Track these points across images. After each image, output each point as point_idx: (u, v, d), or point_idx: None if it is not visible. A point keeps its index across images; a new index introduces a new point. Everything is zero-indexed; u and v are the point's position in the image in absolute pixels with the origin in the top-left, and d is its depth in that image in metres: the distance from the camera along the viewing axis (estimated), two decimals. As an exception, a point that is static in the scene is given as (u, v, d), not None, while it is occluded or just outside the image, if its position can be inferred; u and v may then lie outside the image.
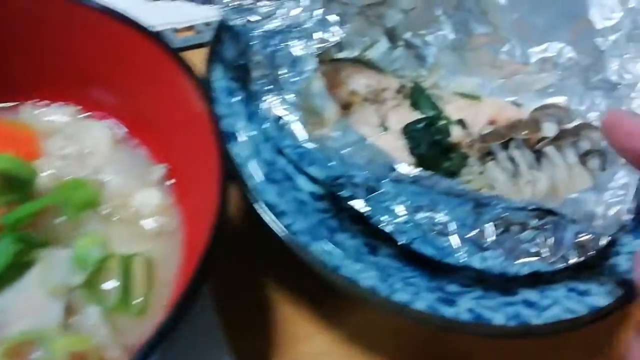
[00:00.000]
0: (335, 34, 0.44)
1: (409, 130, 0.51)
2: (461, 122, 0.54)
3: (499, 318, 0.39)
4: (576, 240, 0.40)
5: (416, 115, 0.53)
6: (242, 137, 0.44)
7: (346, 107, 0.52)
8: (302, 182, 0.48)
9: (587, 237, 0.39)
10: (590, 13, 0.54)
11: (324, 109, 0.42)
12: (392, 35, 0.57)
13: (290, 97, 0.40)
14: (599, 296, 0.42)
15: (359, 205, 0.41)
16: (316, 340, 0.45)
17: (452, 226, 0.40)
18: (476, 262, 0.41)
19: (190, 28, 0.59)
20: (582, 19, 0.55)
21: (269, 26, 0.42)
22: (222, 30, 0.45)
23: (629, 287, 0.43)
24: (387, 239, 0.45)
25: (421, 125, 0.52)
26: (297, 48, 0.43)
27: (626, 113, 0.29)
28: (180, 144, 0.40)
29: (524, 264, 0.41)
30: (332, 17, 0.44)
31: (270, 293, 0.47)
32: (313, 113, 0.42)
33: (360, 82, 0.54)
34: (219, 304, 0.43)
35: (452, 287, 0.43)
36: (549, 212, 0.39)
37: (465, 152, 0.53)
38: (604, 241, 0.40)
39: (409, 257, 0.45)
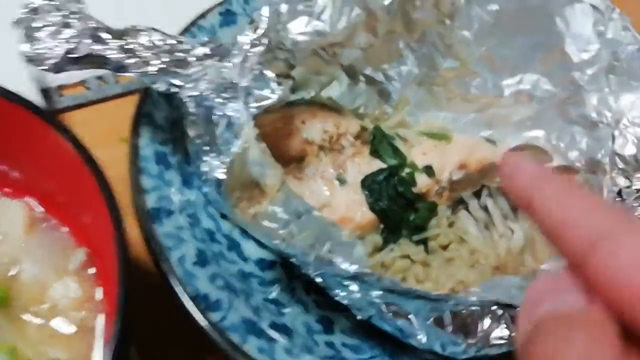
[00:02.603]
0: (275, 91, 0.39)
1: (368, 183, 0.47)
2: (428, 169, 0.49)
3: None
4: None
5: (377, 164, 0.48)
6: (174, 209, 0.39)
7: (300, 159, 0.47)
8: (250, 247, 0.43)
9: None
10: (565, 44, 0.49)
11: (264, 177, 0.37)
12: (351, 72, 0.52)
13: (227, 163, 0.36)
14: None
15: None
16: None
17: (408, 309, 0.35)
18: (437, 347, 0.36)
19: (80, 83, 0.54)
20: (557, 49, 0.50)
21: (200, 87, 0.37)
22: (148, 90, 0.40)
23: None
24: (344, 310, 0.41)
25: (381, 176, 0.47)
26: (231, 109, 0.38)
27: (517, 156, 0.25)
28: (92, 223, 0.35)
29: (492, 348, 0.37)
30: (270, 73, 0.39)
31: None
32: (250, 185, 0.37)
33: (315, 127, 0.49)
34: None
35: (416, 368, 0.39)
36: (508, 306, 0.35)
37: (433, 201, 0.49)
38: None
39: (369, 331, 0.41)
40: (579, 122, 0.51)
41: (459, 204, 0.49)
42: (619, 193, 0.42)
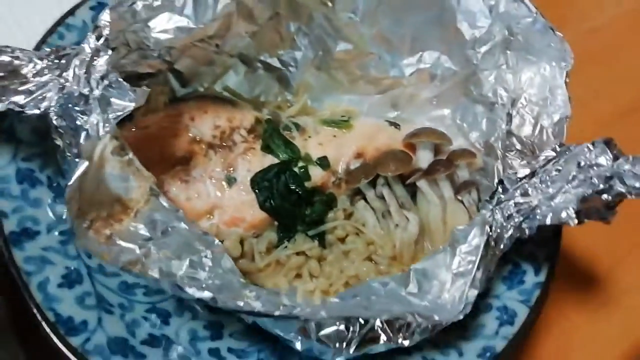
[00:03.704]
0: (133, 98, 0.37)
1: (258, 182, 0.45)
2: (323, 161, 0.48)
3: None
4: (418, 325, 0.35)
5: (269, 159, 0.47)
6: (41, 229, 0.38)
7: (186, 161, 0.46)
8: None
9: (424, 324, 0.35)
10: (457, 21, 0.47)
11: (127, 191, 0.36)
12: (246, 59, 0.50)
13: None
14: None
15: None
16: None
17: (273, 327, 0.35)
18: (315, 352, 0.36)
19: None
20: (452, 26, 0.47)
21: (44, 104, 0.35)
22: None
23: (491, 357, 0.38)
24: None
25: (272, 173, 0.46)
26: (86, 122, 0.36)
27: None
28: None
29: (369, 347, 0.37)
30: (123, 81, 0.37)
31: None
32: (110, 202, 0.36)
33: (206, 124, 0.47)
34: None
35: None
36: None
37: (331, 192, 0.48)
38: (444, 325, 0.35)
39: (260, 332, 0.41)
40: (480, 100, 0.49)
41: (357, 194, 0.48)
42: (501, 182, 0.40)
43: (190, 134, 0.47)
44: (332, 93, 0.53)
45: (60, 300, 0.36)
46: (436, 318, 0.35)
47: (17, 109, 0.35)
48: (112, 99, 0.37)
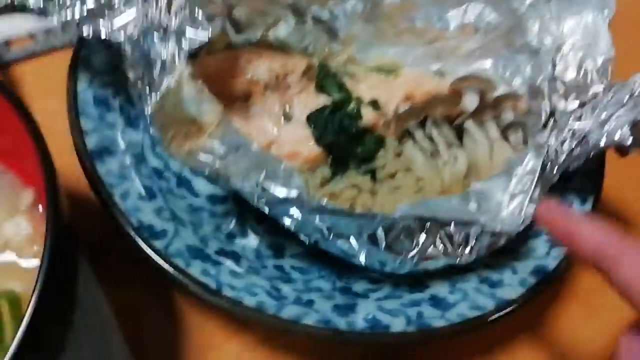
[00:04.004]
0: (206, 30, 0.39)
1: (313, 119, 0.48)
2: (374, 103, 0.50)
3: (397, 324, 0.37)
4: (477, 239, 0.37)
5: (323, 99, 0.49)
6: (117, 150, 0.40)
7: (245, 99, 0.48)
8: (201, 184, 0.45)
9: (487, 238, 0.37)
10: (502, -29, 0.49)
11: (201, 114, 0.38)
12: (297, 10, 0.53)
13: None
14: (510, 288, 0.40)
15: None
16: (225, 348, 0.43)
17: (343, 230, 0.37)
18: (377, 265, 0.38)
19: (30, 37, 0.54)
20: (498, -23, 0.50)
21: (128, 31, 0.38)
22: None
23: (543, 274, 0.40)
24: (294, 237, 0.42)
25: (327, 111, 0.48)
26: (164, 51, 0.38)
27: (554, 208, 0.33)
28: (33, 168, 0.36)
29: (429, 262, 0.39)
30: (200, 13, 0.39)
31: (176, 304, 0.44)
32: (186, 122, 0.38)
33: (261, 67, 0.50)
34: (120, 321, 0.41)
35: (360, 286, 0.41)
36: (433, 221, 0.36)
37: (381, 134, 0.50)
38: (502, 241, 0.37)
39: (319, 256, 0.43)
40: (522, 50, 0.51)
41: (405, 135, 0.50)
42: (552, 114, 0.43)
43: (248, 76, 0.49)
44: (378, 45, 0.56)
45: (141, 210, 0.38)
46: (498, 229, 0.36)
47: (101, 35, 0.37)
48: (188, 30, 0.40)
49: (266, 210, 0.38)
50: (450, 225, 0.38)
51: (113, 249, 0.44)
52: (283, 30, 0.54)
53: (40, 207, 0.39)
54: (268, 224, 0.44)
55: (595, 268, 0.30)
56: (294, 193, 0.34)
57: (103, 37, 0.38)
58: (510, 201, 0.38)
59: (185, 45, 0.39)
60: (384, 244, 0.36)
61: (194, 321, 0.44)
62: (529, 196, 0.38)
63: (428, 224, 0.37)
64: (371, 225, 0.36)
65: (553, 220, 0.32)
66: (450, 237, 0.38)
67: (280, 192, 0.35)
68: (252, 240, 0.43)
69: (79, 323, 0.40)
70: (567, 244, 0.31)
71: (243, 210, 0.44)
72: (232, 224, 0.43)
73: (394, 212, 0.37)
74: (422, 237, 0.37)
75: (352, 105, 0.49)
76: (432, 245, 0.38)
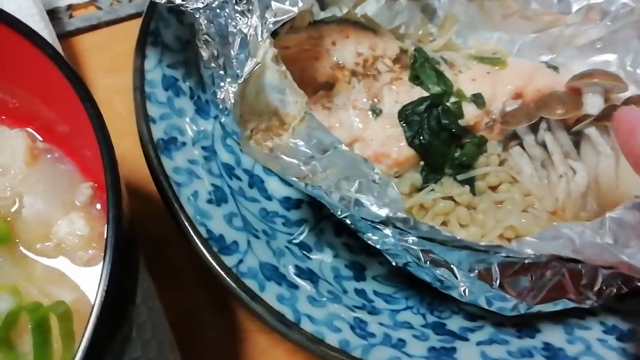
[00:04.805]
0: (297, 3, 0.33)
1: (406, 114, 0.41)
2: (477, 98, 0.42)
3: (509, 379, 0.31)
4: (607, 281, 0.30)
5: (418, 92, 0.42)
6: (187, 141, 0.35)
7: (329, 87, 0.42)
8: (275, 185, 0.39)
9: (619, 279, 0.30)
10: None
11: (284, 105, 0.32)
12: (391, -16, 0.45)
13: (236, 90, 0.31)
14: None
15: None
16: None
17: (450, 260, 0.30)
18: (483, 302, 0.32)
19: (91, 3, 0.48)
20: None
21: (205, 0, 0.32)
22: (155, 6, 0.35)
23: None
24: (377, 255, 0.37)
25: (423, 106, 0.41)
26: (246, 25, 0.32)
27: (635, 113, 0.27)
28: (93, 156, 0.31)
29: (547, 305, 0.32)
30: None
31: (242, 322, 0.39)
32: (268, 113, 0.32)
33: (347, 49, 0.43)
34: (179, 340, 0.37)
35: (456, 322, 0.35)
36: (571, 260, 0.29)
37: (482, 135, 0.43)
38: (636, 283, 0.30)
39: (404, 280, 0.37)
40: (662, 42, 0.43)
41: (512, 139, 0.43)
42: None
43: (332, 59, 0.43)
44: (480, 29, 0.48)
45: (211, 217, 0.32)
46: (641, 270, 0.29)
47: (179, 1, 0.32)
48: (274, 3, 0.33)
49: (349, 222, 0.32)
50: (579, 262, 0.30)
51: (172, 247, 0.39)
52: (373, 6, 0.47)
53: (98, 204, 0.34)
54: (346, 237, 0.39)
55: None
56: (399, 215, 0.28)
57: (178, 1, 0.32)
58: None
59: (270, 19, 0.33)
60: (497, 283, 0.30)
61: (259, 343, 0.38)
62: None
63: (555, 262, 0.30)
64: (489, 259, 0.29)
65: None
66: (578, 275, 0.31)
67: (380, 212, 0.28)
68: (328, 256, 0.37)
69: (135, 338, 0.36)
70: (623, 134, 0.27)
71: (319, 219, 0.39)
72: (304, 234, 0.37)
73: (519, 240, 0.30)
74: (547, 275, 0.30)
75: (452, 100, 0.42)
76: (552, 285, 0.31)
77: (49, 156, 0.36)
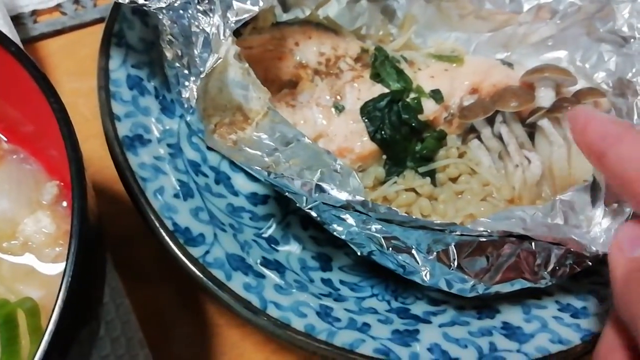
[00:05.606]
0: (257, 2, 0.34)
1: (368, 110, 0.42)
2: (436, 94, 0.44)
3: (468, 357, 0.32)
4: (560, 261, 0.32)
5: (379, 89, 0.43)
6: (152, 138, 0.36)
7: (293, 85, 0.43)
8: (241, 181, 0.40)
9: (572, 258, 0.31)
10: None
11: (247, 100, 0.33)
12: (351, -13, 0.47)
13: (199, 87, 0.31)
14: (597, 318, 0.34)
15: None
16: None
17: (409, 242, 0.32)
18: (443, 285, 0.33)
19: (56, 8, 0.49)
20: (586, -47, 0.43)
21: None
22: (119, 8, 0.36)
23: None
24: (343, 246, 0.38)
25: (384, 102, 0.42)
26: (208, 24, 0.33)
27: (587, 110, 0.30)
28: (59, 155, 0.32)
29: (504, 285, 0.33)
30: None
31: (211, 317, 0.40)
32: (232, 109, 0.33)
33: (310, 50, 0.44)
34: (149, 337, 0.37)
35: (419, 307, 0.36)
36: (525, 239, 0.31)
37: (442, 129, 0.44)
38: (588, 263, 0.32)
39: (370, 268, 0.38)
40: (607, 39, 0.45)
41: (470, 132, 0.44)
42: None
43: (296, 59, 0.44)
44: (438, 29, 0.50)
45: (177, 211, 0.33)
46: (593, 249, 0.31)
47: (141, 1, 0.32)
48: (235, 3, 0.34)
49: (314, 214, 0.33)
50: (532, 242, 0.32)
51: (140, 245, 0.40)
52: (334, 8, 0.48)
53: (64, 202, 0.35)
54: (313, 230, 0.39)
55: (594, 152, 0.28)
56: (358, 197, 0.29)
57: (141, 2, 0.32)
58: (604, 217, 0.33)
59: (232, 18, 0.34)
60: (455, 263, 0.31)
61: (229, 337, 0.39)
62: (627, 213, 0.32)
63: (511, 239, 0.31)
64: (445, 239, 0.30)
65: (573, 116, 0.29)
66: (533, 255, 0.32)
67: (341, 195, 0.29)
68: (295, 248, 0.38)
69: (104, 336, 0.36)
70: (605, 166, 0.28)
71: (286, 213, 0.40)
72: (272, 228, 0.38)
73: (472, 223, 0.31)
74: (503, 255, 0.32)
75: (412, 96, 0.43)
76: (508, 265, 0.33)
77: (14, 157, 0.36)
